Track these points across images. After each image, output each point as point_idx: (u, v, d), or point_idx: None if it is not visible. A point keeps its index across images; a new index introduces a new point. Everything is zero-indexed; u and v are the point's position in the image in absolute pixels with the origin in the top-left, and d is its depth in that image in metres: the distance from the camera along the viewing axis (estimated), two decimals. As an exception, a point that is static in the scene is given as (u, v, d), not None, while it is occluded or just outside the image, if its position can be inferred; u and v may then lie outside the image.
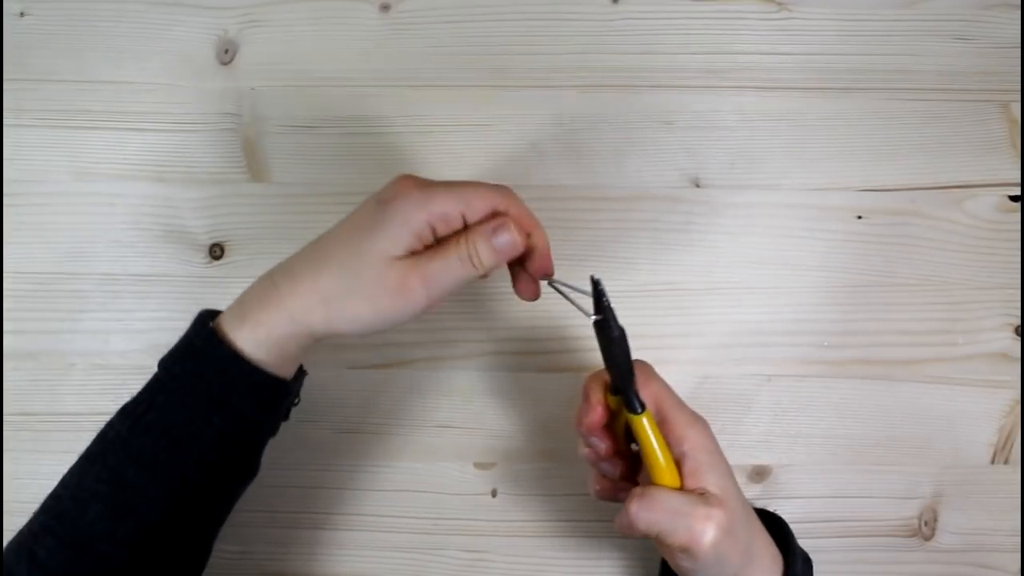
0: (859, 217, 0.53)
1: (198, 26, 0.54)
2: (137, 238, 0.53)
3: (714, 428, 0.49)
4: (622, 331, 0.39)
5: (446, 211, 0.38)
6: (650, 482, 0.40)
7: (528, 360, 0.53)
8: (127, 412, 0.40)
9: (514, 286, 0.43)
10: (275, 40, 0.54)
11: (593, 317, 0.39)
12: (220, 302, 0.53)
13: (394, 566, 0.53)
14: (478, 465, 0.53)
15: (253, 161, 0.54)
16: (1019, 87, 0.53)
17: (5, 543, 0.53)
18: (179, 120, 0.54)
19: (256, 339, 0.39)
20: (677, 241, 0.53)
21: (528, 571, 0.53)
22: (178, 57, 0.54)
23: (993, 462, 0.53)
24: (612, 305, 0.38)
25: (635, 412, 0.39)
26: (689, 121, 0.54)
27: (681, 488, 0.39)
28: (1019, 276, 0.53)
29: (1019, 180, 0.53)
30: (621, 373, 0.39)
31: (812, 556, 0.44)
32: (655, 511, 0.38)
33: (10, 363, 0.53)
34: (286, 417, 0.44)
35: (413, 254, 0.38)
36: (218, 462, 0.39)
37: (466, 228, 0.39)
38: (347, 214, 0.41)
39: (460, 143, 0.53)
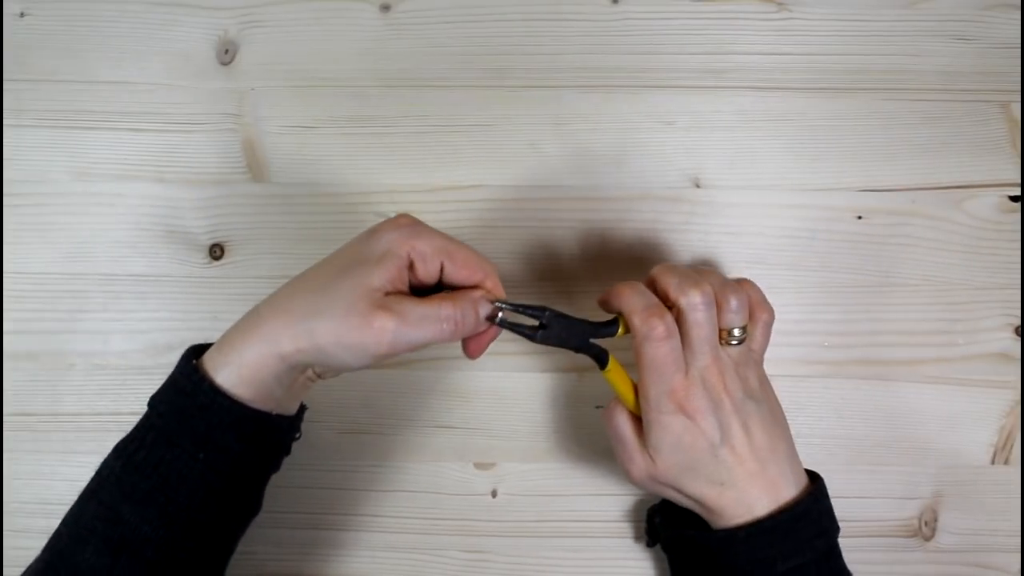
0: (859, 217, 0.53)
1: (198, 26, 0.54)
2: (137, 238, 0.53)
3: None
4: (545, 324, 0.42)
5: (428, 251, 0.39)
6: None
7: (528, 360, 0.53)
8: (120, 450, 0.40)
9: (465, 348, 0.43)
10: (275, 40, 0.54)
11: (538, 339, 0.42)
12: (220, 302, 0.53)
13: (393, 566, 0.53)
14: (478, 465, 0.53)
15: (253, 161, 0.54)
16: (1019, 87, 0.53)
17: (6, 546, 0.53)
18: (179, 120, 0.54)
19: (236, 372, 0.39)
20: (677, 241, 0.53)
21: (528, 571, 0.53)
22: (178, 57, 0.54)
23: (993, 462, 0.53)
24: (518, 313, 0.41)
25: (601, 369, 0.43)
26: (689, 121, 0.54)
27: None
28: (1019, 276, 0.53)
29: (1019, 180, 0.53)
30: (568, 347, 0.43)
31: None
32: (609, 427, 0.45)
33: (10, 363, 0.53)
34: (287, 452, 0.44)
35: (393, 293, 0.39)
36: (209, 499, 0.39)
37: (450, 290, 0.41)
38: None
39: (460, 143, 0.54)
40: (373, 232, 0.40)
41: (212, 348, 0.40)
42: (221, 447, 0.39)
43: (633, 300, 0.42)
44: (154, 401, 0.41)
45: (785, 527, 0.41)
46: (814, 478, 0.45)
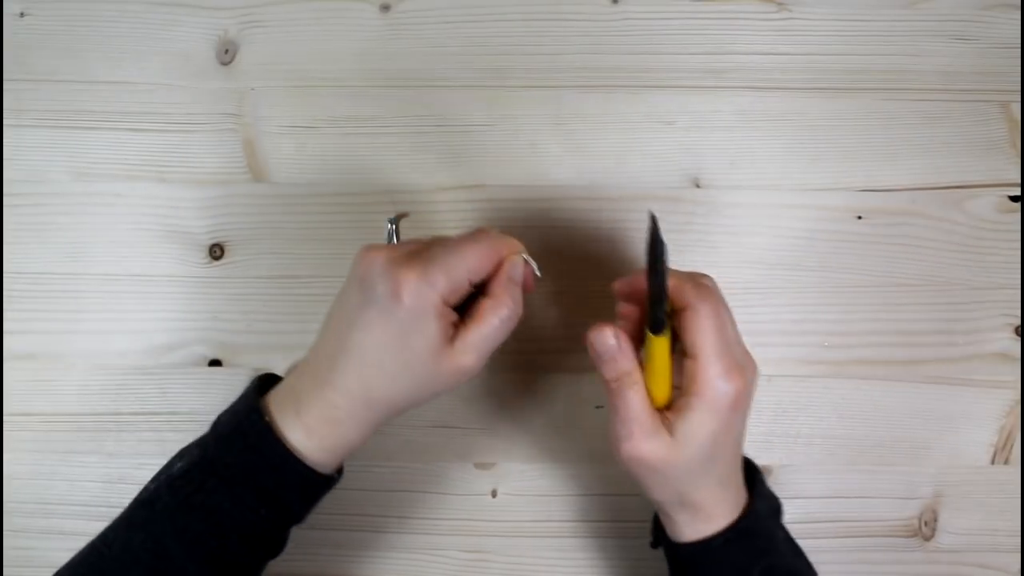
0: (859, 217, 0.53)
1: (198, 26, 0.54)
2: (137, 238, 0.53)
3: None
4: (658, 255, 0.38)
5: (453, 285, 0.39)
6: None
7: (528, 360, 0.53)
8: (176, 488, 0.40)
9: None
10: (275, 40, 0.54)
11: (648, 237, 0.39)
12: (220, 302, 0.53)
13: (394, 566, 0.53)
14: (478, 465, 0.53)
15: (253, 161, 0.54)
16: (1019, 87, 0.53)
17: (5, 546, 0.53)
18: (179, 120, 0.54)
19: (317, 444, 0.40)
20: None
21: (528, 571, 0.53)
22: (178, 57, 0.54)
23: (993, 462, 0.53)
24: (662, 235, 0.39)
25: (653, 331, 0.39)
26: (689, 121, 0.54)
27: (662, 406, 0.40)
28: (1019, 276, 0.53)
29: (1019, 180, 0.53)
30: (651, 290, 0.39)
31: (812, 556, 0.44)
32: (619, 407, 0.39)
33: (10, 363, 0.53)
34: None
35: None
36: (258, 544, 0.41)
37: (485, 291, 0.40)
38: (339, 304, 0.40)
39: (460, 143, 0.54)
40: (392, 299, 0.38)
41: (284, 413, 0.40)
42: (284, 505, 0.40)
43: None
44: (220, 451, 0.40)
45: (755, 528, 0.41)
46: (748, 468, 0.44)
